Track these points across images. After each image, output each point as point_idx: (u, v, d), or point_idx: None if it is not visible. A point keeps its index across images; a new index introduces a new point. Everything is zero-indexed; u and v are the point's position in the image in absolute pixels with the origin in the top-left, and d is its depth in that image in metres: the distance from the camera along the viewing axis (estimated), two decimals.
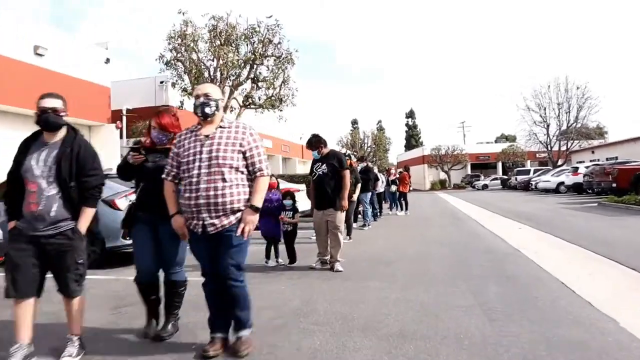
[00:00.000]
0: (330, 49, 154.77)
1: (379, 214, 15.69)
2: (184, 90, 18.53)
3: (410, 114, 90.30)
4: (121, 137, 19.59)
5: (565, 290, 5.00)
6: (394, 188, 17.34)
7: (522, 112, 48.94)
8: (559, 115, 46.52)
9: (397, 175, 17.76)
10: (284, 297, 5.03)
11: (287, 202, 7.06)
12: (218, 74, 17.85)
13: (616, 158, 34.73)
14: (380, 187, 16.37)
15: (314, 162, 6.73)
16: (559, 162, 44.86)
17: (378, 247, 8.48)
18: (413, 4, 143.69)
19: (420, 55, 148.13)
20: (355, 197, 9.29)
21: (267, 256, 7.07)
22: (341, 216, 6.59)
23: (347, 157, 13.79)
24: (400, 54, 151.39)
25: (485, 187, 49.38)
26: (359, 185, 9.58)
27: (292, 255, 7.06)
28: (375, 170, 17.07)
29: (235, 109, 19.57)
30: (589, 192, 26.07)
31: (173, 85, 18.77)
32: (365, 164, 12.65)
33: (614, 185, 19.19)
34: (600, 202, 17.39)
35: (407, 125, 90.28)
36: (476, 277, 5.70)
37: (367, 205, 12.39)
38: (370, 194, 12.55)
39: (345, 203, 6.54)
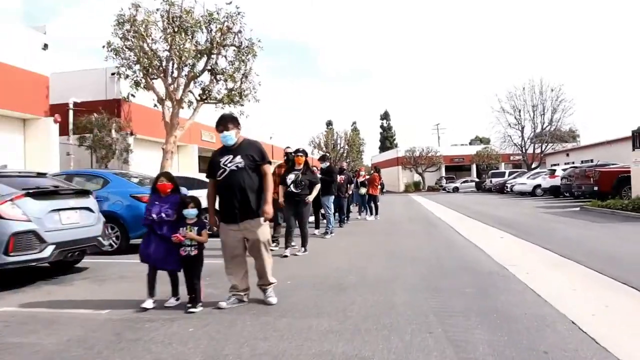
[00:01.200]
0: (307, 50, 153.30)
1: (345, 219, 14.24)
2: (136, 83, 16.75)
3: (385, 116, 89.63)
4: (63, 133, 17.64)
5: (581, 336, 3.56)
6: (363, 190, 15.91)
7: (497, 114, 48.22)
8: (533, 118, 46.11)
9: (367, 177, 16.32)
10: (185, 351, 3.46)
11: (189, 211, 4.58)
12: (170, 64, 16.14)
13: (591, 161, 34.17)
14: (349, 190, 14.93)
15: (220, 153, 4.77)
16: (533, 165, 44.38)
17: (335, 264, 6.93)
18: (389, 7, 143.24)
19: (396, 57, 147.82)
20: (310, 198, 7.96)
21: (151, 294, 4.70)
22: (266, 228, 4.84)
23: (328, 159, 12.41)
24: (376, 56, 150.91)
25: (456, 189, 48.48)
26: (317, 186, 8.09)
27: (193, 295, 4.60)
28: (346, 171, 15.61)
29: (192, 103, 17.89)
30: (567, 196, 25.27)
31: (125, 77, 16.94)
32: (327, 164, 11.14)
33: (596, 188, 18.19)
34: (583, 207, 16.30)
35: (381, 127, 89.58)
36: (456, 314, 4.22)
37: (330, 210, 10.88)
38: (332, 197, 11.05)
39: (270, 208, 4.72)
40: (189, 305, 4.56)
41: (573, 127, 46.17)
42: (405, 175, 58.60)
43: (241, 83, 17.92)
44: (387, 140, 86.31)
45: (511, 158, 55.05)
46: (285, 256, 7.59)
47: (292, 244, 8.11)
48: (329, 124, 78.97)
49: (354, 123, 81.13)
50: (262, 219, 4.69)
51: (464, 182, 50.39)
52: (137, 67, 16.00)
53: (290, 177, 7.70)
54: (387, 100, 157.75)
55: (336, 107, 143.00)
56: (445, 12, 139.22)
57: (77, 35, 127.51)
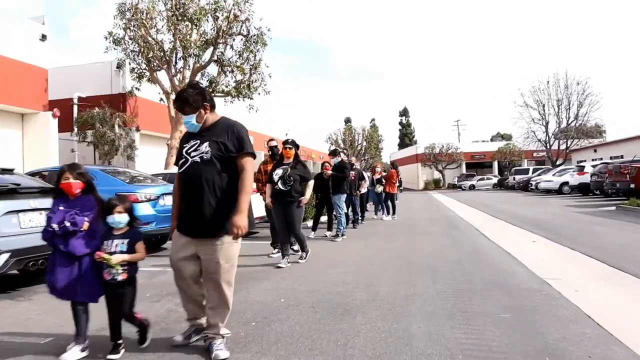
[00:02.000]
0: (325, 49, 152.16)
1: (360, 219, 13.17)
2: (140, 76, 15.94)
3: (404, 113, 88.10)
4: (67, 129, 16.89)
5: None
6: (379, 188, 14.81)
7: (520, 109, 46.51)
8: (558, 113, 44.36)
9: (383, 174, 15.21)
10: None
11: (115, 219, 3.30)
12: (174, 55, 15.23)
13: (621, 157, 32.52)
14: (363, 187, 13.85)
15: (187, 137, 3.55)
16: (558, 162, 42.68)
17: (341, 277, 5.87)
18: (407, 3, 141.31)
19: (414, 53, 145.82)
20: (305, 198, 6.77)
21: (78, 335, 3.34)
22: (233, 250, 3.37)
23: (343, 153, 11.41)
24: (394, 53, 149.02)
25: (472, 187, 46.85)
26: (310, 183, 6.94)
27: (119, 342, 3.35)
28: (358, 166, 14.49)
29: None
30: (597, 194, 23.83)
31: (131, 70, 16.12)
32: (339, 159, 10.09)
33: (632, 185, 16.75)
34: (619, 206, 14.95)
35: (400, 123, 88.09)
36: (494, 355, 3.15)
37: (341, 211, 9.82)
38: (344, 196, 9.99)
39: (244, 221, 3.22)
40: (112, 349, 3.29)
41: (599, 122, 44.15)
42: (424, 172, 57.19)
43: (250, 75, 16.98)
44: (406, 137, 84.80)
45: (534, 155, 53.31)
46: (280, 267, 6.57)
47: (290, 252, 7.14)
48: (348, 121, 77.76)
49: (373, 120, 79.84)
50: (228, 237, 3.30)
51: (480, 179, 48.63)
52: (140, 58, 15.13)
53: (278, 173, 6.64)
54: (406, 96, 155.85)
55: (355, 105, 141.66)
56: (465, 5, 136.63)
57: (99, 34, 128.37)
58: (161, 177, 11.24)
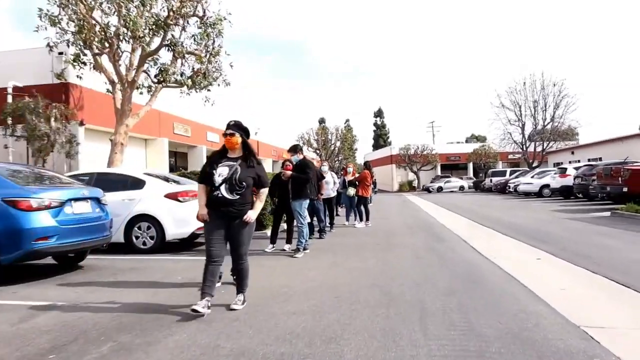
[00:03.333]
0: (300, 48, 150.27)
1: (329, 227, 11.46)
2: (76, 57, 13.70)
3: (379, 113, 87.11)
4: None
5: None
6: (351, 191, 13.10)
7: (497, 110, 45.59)
8: (534, 114, 43.58)
9: (356, 175, 13.51)
10: None
11: None
12: (116, 38, 13.18)
13: (600, 159, 31.75)
14: (332, 190, 12.10)
15: None
16: (535, 164, 41.88)
17: (289, 323, 4.04)
18: (382, 5, 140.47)
19: (389, 54, 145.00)
20: (253, 215, 4.53)
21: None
22: None
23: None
24: (369, 54, 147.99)
25: (440, 189, 45.60)
26: (264, 192, 4.81)
27: None
28: (326, 167, 12.73)
29: (143, 87, 14.98)
30: (580, 197, 22.72)
31: (75, 58, 13.86)
32: (300, 156, 8.27)
33: (625, 190, 15.46)
34: (614, 212, 13.58)
35: (375, 124, 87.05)
36: None
37: (303, 219, 8.02)
38: (306, 202, 8.19)
39: None
40: None
41: (576, 124, 43.45)
42: (399, 173, 55.90)
43: (208, 62, 15.07)
44: (380, 138, 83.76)
45: (509, 157, 52.64)
46: (197, 311, 4.23)
47: (213, 292, 4.52)
48: (322, 121, 76.04)
49: (347, 120, 78.34)
50: None
51: (447, 182, 47.37)
52: (77, 39, 13.05)
53: (222, 173, 4.41)
54: (381, 98, 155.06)
55: (329, 106, 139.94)
56: (439, 6, 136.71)
57: None
58: (87, 178, 9.30)
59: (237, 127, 4.55)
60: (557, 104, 42.37)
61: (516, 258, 7.19)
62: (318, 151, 49.33)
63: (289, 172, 7.88)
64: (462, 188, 46.37)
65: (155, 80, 14.70)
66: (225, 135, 4.55)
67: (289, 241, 8.56)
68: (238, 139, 4.52)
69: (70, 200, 6.50)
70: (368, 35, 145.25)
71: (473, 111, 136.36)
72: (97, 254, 7.99)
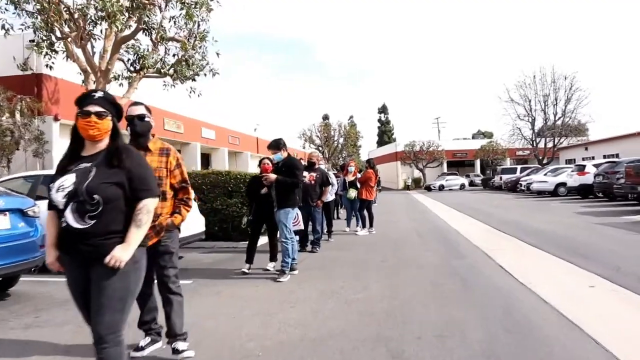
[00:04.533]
0: (305, 45, 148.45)
1: (326, 235, 9.92)
2: (37, 44, 11.98)
3: (383, 109, 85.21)
4: None
5: None
6: (352, 194, 11.46)
7: (505, 105, 43.92)
8: (545, 108, 41.84)
9: (358, 175, 11.87)
10: None
11: None
12: (82, 18, 11.50)
13: (617, 155, 30.03)
14: (330, 194, 10.47)
15: None
16: (545, 160, 40.18)
17: None
18: (386, 1, 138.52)
19: (394, 49, 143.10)
20: (126, 256, 2.38)
21: None
22: None
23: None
24: (373, 50, 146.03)
25: (442, 188, 43.56)
26: (148, 204, 2.75)
27: None
28: (323, 166, 11.07)
29: (122, 77, 13.39)
30: (600, 197, 21.04)
31: (50, 44, 12.18)
32: (283, 154, 6.56)
33: None
34: None
35: (379, 121, 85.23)
36: None
37: (289, 233, 6.38)
38: (294, 211, 6.52)
39: None
40: None
41: (588, 118, 41.57)
42: (404, 171, 54.11)
43: (192, 48, 13.45)
44: (385, 135, 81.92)
45: (517, 153, 50.86)
46: None
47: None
48: (326, 117, 74.19)
49: (351, 117, 76.51)
50: None
51: (448, 180, 45.00)
52: (38, 20, 11.42)
53: (63, 184, 2.42)
54: (385, 94, 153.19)
55: (333, 103, 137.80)
56: (445, 1, 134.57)
57: None
58: (32, 181, 7.74)
59: (105, 101, 2.54)
60: (569, 98, 40.68)
61: (561, 284, 5.55)
62: (320, 148, 47.64)
63: (273, 176, 6.20)
64: (462, 186, 44.34)
65: (132, 69, 13.09)
66: (81, 115, 2.47)
67: (273, 258, 6.93)
68: (106, 123, 2.51)
69: None
70: (372, 31, 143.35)
71: (479, 106, 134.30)
72: (40, 275, 6.27)
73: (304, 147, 48.15)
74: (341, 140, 49.13)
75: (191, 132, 26.34)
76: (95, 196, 2.38)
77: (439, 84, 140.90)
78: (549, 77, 41.30)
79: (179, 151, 21.90)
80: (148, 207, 2.54)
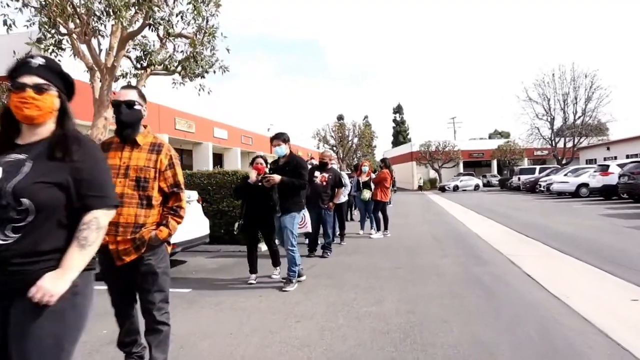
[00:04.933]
0: (319, 47, 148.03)
1: (339, 238, 9.44)
2: (39, 40, 11.66)
3: (398, 109, 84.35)
4: None
5: None
6: (367, 195, 10.94)
7: (523, 104, 42.90)
8: (564, 107, 40.77)
9: (372, 175, 11.33)
10: None
11: None
12: (86, 14, 11.16)
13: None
14: (343, 195, 9.94)
15: None
16: (564, 161, 39.15)
17: None
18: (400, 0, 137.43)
19: (408, 50, 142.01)
20: (73, 268, 1.81)
21: None
22: None
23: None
24: (388, 50, 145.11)
25: (456, 188, 42.52)
26: (97, 217, 2.00)
27: None
28: (336, 166, 10.52)
29: (130, 75, 13.00)
30: (625, 198, 20.20)
31: (42, 39, 11.94)
32: (286, 149, 5.92)
33: None
34: None
35: (394, 121, 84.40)
36: None
37: (293, 240, 5.84)
38: (300, 215, 5.97)
39: None
40: None
41: (607, 118, 40.33)
42: (419, 171, 53.27)
43: (201, 45, 13.02)
44: (400, 135, 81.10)
45: (535, 153, 49.78)
46: None
47: None
48: (340, 117, 73.68)
49: (366, 117, 75.78)
50: None
51: (462, 180, 43.85)
52: (42, 16, 11.08)
53: None
54: (400, 94, 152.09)
55: (348, 104, 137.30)
56: (461, 1, 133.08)
57: None
58: None
59: (47, 71, 1.92)
60: (589, 97, 39.59)
61: (600, 298, 4.96)
62: (335, 148, 47.07)
63: (277, 177, 5.65)
64: (477, 187, 43.27)
65: (139, 65, 12.70)
66: (14, 89, 1.86)
67: (275, 264, 6.39)
68: (49, 100, 1.91)
69: None
70: (386, 32, 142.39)
71: (496, 106, 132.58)
72: None
73: (318, 147, 47.66)
74: (356, 140, 48.52)
75: (203, 132, 26.01)
76: (24, 200, 1.74)
77: (455, 83, 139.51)
78: (569, 75, 40.29)
79: (190, 151, 21.48)
80: (99, 221, 1.90)
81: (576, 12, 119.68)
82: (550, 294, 5.13)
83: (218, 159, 30.08)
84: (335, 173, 8.56)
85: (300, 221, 6.08)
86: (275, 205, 5.81)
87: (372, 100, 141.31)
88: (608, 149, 37.07)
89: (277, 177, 5.62)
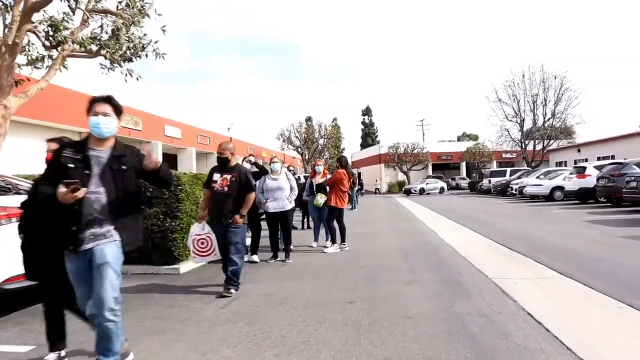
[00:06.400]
0: (287, 47, 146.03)
1: (284, 249, 7.52)
2: None
3: (367, 112, 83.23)
4: None
5: None
6: (320, 200, 9.04)
7: (493, 105, 42.05)
8: (534, 109, 40.05)
9: (327, 176, 9.46)
10: None
11: None
12: None
13: (612, 157, 28.33)
14: (288, 200, 8.01)
15: None
16: (534, 163, 38.44)
17: None
18: (369, 2, 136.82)
19: (378, 52, 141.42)
20: None
21: None
22: None
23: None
24: (357, 52, 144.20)
25: (422, 191, 40.95)
26: None
27: None
28: (278, 165, 8.46)
29: (40, 56, 10.80)
30: (602, 201, 18.98)
31: None
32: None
33: None
34: None
35: (363, 123, 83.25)
36: None
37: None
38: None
39: None
40: None
41: (577, 120, 39.79)
42: (388, 174, 51.87)
43: (132, 23, 10.94)
44: (369, 137, 79.93)
45: (504, 155, 49.18)
46: None
47: None
48: (309, 119, 71.94)
49: (335, 119, 74.21)
50: None
51: (428, 183, 42.19)
52: None
53: None
54: (369, 96, 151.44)
55: (316, 105, 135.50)
56: (428, 2, 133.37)
57: None
58: None
59: None
60: (559, 98, 38.98)
61: (629, 348, 3.19)
62: (300, 149, 45.17)
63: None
64: (442, 190, 41.77)
65: (47, 43, 10.50)
66: None
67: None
68: None
69: None
70: (354, 32, 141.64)
71: (464, 109, 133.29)
72: None
73: (282, 149, 45.74)
74: (322, 141, 46.78)
75: (152, 130, 23.71)
76: None
77: (424, 85, 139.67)
78: (538, 76, 39.70)
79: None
80: None
81: (546, 13, 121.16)
82: (572, 353, 3.31)
83: (172, 159, 27.81)
84: (240, 171, 5.76)
85: (204, 246, 4.12)
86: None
87: (342, 103, 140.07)
88: (579, 150, 36.41)
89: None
